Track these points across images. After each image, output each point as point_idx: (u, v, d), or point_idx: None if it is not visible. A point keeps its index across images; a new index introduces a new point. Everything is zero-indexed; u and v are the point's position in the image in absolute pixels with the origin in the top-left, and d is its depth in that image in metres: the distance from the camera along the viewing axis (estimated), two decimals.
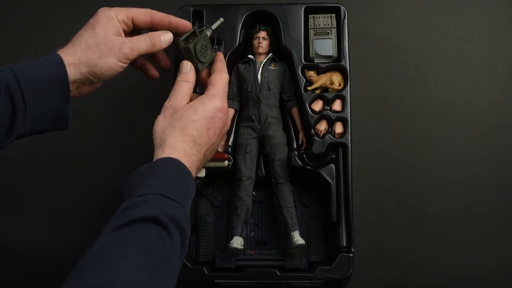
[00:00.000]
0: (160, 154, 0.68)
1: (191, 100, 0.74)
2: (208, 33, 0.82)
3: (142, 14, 0.76)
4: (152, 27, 0.78)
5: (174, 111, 0.72)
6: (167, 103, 0.73)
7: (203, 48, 0.79)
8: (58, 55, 0.69)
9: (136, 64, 0.81)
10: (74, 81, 0.70)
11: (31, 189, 1.01)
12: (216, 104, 0.73)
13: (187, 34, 0.79)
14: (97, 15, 0.73)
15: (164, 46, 0.77)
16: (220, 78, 0.76)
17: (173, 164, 0.66)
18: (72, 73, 0.69)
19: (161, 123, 0.71)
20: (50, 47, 1.05)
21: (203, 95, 0.74)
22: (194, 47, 0.78)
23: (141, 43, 0.74)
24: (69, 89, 0.68)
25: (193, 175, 0.69)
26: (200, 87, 0.84)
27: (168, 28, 0.78)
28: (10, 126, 0.65)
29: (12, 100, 0.65)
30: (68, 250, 0.94)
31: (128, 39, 0.73)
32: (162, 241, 0.58)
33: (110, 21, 0.73)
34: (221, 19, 0.84)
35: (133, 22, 0.76)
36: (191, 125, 0.70)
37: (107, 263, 0.53)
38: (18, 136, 0.67)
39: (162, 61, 0.82)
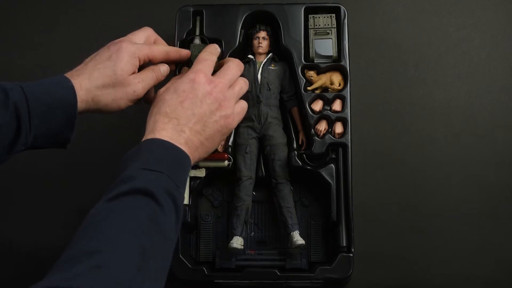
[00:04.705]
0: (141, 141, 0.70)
1: None
2: (197, 41, 0.87)
3: (160, 54, 0.77)
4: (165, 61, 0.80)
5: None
6: None
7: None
8: (70, 81, 0.69)
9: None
10: (81, 112, 0.71)
11: (31, 189, 1.01)
12: (188, 77, 0.73)
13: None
14: (120, 49, 0.72)
15: (163, 78, 0.79)
16: (200, 56, 0.77)
17: (152, 142, 0.68)
18: (82, 107, 0.70)
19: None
20: (50, 47, 1.06)
21: None
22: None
23: (150, 80, 0.75)
24: (75, 116, 0.69)
25: (181, 147, 0.68)
26: None
27: (180, 60, 0.81)
28: (12, 144, 0.66)
29: (18, 120, 0.65)
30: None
31: (140, 78, 0.74)
32: (148, 208, 0.59)
33: (132, 59, 0.73)
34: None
35: (150, 59, 0.77)
36: (163, 105, 0.71)
37: (99, 231, 0.55)
38: (17, 152, 0.68)
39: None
